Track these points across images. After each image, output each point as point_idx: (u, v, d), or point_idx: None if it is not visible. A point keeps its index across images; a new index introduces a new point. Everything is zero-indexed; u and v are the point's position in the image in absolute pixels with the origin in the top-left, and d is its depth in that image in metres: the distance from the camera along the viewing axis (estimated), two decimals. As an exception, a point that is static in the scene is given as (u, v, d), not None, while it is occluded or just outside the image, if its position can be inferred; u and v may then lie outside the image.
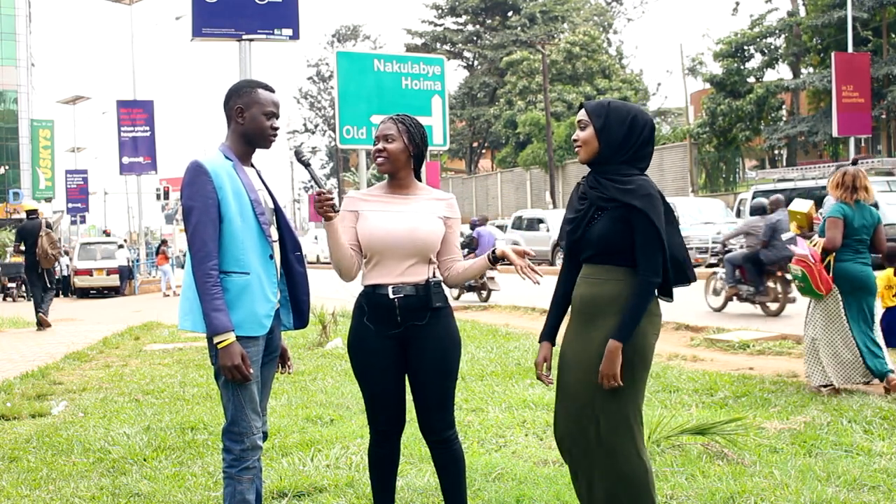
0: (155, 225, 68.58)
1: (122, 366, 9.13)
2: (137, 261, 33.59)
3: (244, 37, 10.13)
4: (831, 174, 6.47)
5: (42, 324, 13.35)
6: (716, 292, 12.39)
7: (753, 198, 21.78)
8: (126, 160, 32.06)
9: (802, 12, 35.65)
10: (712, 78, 37.54)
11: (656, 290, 3.21)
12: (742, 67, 37.18)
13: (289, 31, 10.29)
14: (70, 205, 48.20)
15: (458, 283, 3.53)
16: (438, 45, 54.03)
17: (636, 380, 3.15)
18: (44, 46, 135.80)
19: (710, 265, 22.41)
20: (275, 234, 3.32)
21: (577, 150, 3.26)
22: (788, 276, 8.73)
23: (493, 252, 3.39)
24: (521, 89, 46.66)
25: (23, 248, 13.48)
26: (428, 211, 3.40)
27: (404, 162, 3.39)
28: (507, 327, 11.22)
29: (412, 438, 4.66)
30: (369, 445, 3.53)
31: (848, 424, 5.26)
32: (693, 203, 25.04)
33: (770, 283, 11.29)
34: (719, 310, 12.06)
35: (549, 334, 3.37)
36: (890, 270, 7.20)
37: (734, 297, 11.78)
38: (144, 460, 5.04)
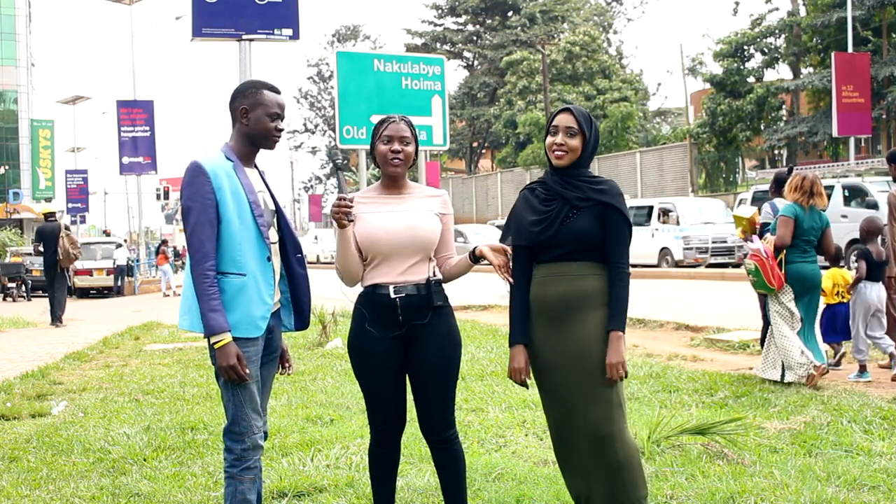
0: (155, 225, 68.64)
1: (122, 366, 9.13)
2: (137, 260, 33.60)
3: (244, 37, 10.13)
4: (793, 176, 6.86)
5: (58, 322, 14.23)
6: None
7: (755, 199, 21.82)
8: (126, 160, 32.06)
9: (802, 12, 35.66)
10: (712, 78, 37.55)
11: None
12: (742, 67, 37.19)
13: (289, 31, 10.30)
14: (70, 205, 48.17)
15: (450, 279, 3.53)
16: (438, 45, 54.02)
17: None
18: (44, 46, 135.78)
19: (711, 265, 22.47)
20: (274, 237, 3.32)
21: (559, 154, 3.31)
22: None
23: (473, 251, 3.41)
24: (521, 89, 46.65)
25: (41, 248, 14.03)
26: (424, 209, 3.41)
27: (412, 163, 3.43)
28: (507, 327, 11.19)
29: (412, 438, 4.66)
30: (370, 445, 3.53)
31: (848, 424, 5.26)
32: (693, 203, 25.05)
33: None
34: None
35: (521, 336, 3.40)
36: (834, 270, 7.45)
37: None
38: (144, 460, 5.04)
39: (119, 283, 28.36)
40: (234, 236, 3.15)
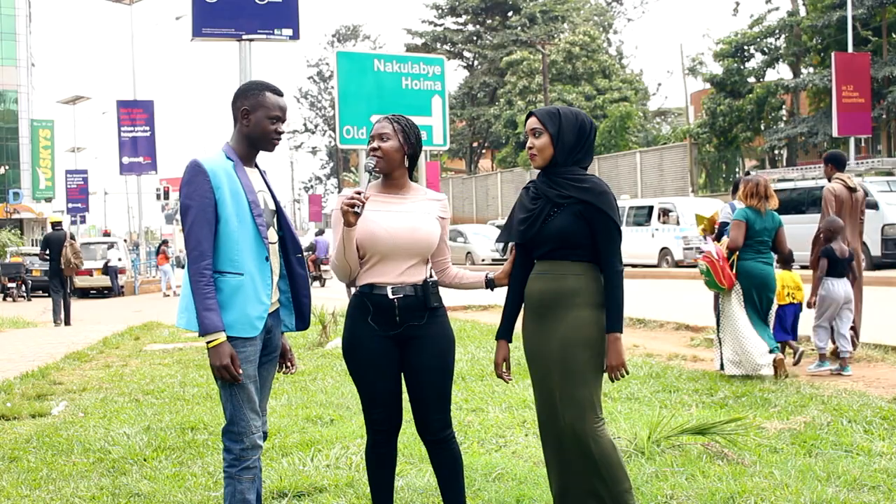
0: (155, 225, 68.69)
1: (122, 366, 9.13)
2: (137, 260, 33.60)
3: (244, 37, 10.14)
4: (744, 182, 7.26)
5: (62, 322, 14.94)
6: None
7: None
8: (126, 160, 32.06)
9: (802, 12, 35.64)
10: (712, 78, 37.54)
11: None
12: (742, 67, 37.19)
13: (289, 31, 10.30)
14: (70, 205, 48.17)
15: (449, 287, 3.57)
16: (438, 45, 54.00)
17: (597, 366, 3.31)
18: (44, 46, 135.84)
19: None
20: (273, 237, 3.31)
21: (532, 157, 3.38)
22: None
23: (489, 277, 3.50)
24: (521, 89, 46.64)
25: (47, 255, 14.86)
26: (425, 211, 3.41)
27: (399, 161, 3.39)
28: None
29: (412, 438, 4.66)
30: (367, 445, 3.52)
31: (848, 424, 5.26)
32: (693, 203, 25.04)
33: None
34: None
35: (506, 332, 3.54)
36: (784, 272, 7.73)
37: None
38: (144, 460, 5.04)
39: (113, 283, 28.27)
40: (232, 236, 3.15)
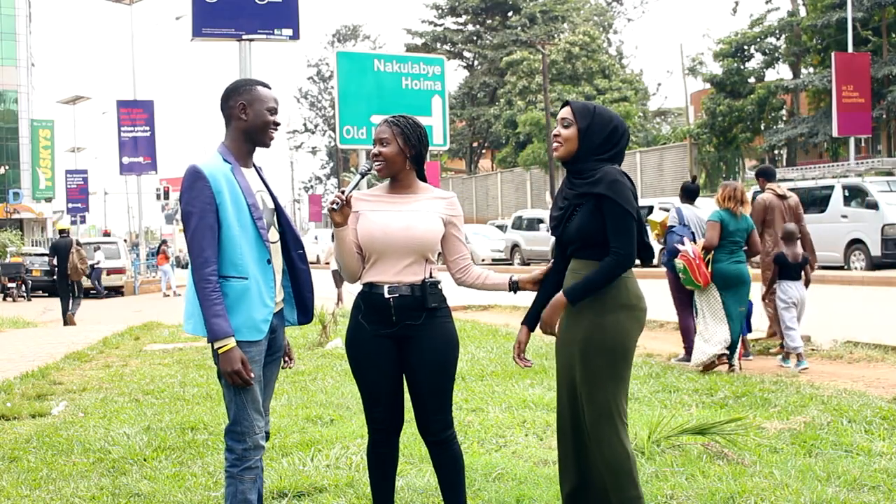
0: (155, 225, 68.69)
1: (122, 366, 9.13)
2: (137, 260, 33.60)
3: (244, 37, 10.14)
4: (722, 187, 7.78)
5: (68, 322, 15.58)
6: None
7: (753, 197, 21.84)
8: (126, 160, 32.08)
9: (802, 12, 35.64)
10: (712, 78, 37.54)
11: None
12: (742, 67, 37.19)
13: (289, 31, 10.30)
14: (70, 205, 48.18)
15: (471, 287, 3.55)
16: (438, 45, 54.00)
17: (617, 372, 3.26)
18: (44, 46, 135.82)
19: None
20: (274, 236, 3.32)
21: (555, 146, 3.36)
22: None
23: (513, 279, 3.48)
24: (521, 89, 46.64)
25: (55, 261, 15.82)
26: (427, 210, 3.40)
27: (401, 164, 3.39)
28: (507, 327, 11.21)
29: (412, 438, 4.66)
30: (368, 445, 3.52)
31: (848, 424, 5.26)
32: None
33: None
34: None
35: (529, 319, 3.52)
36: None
37: None
38: (144, 460, 5.04)
39: (96, 284, 28.21)
40: (235, 240, 3.15)
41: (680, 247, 7.68)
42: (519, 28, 51.13)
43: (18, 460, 5.17)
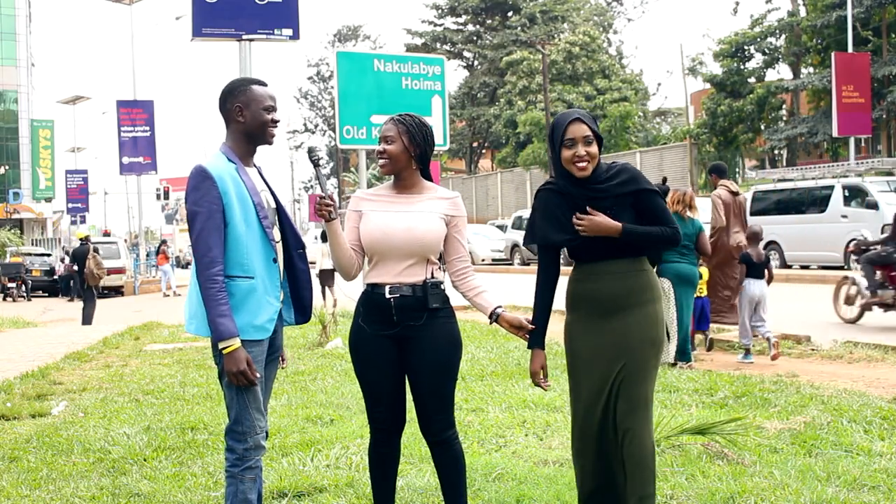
0: (155, 225, 68.68)
1: (122, 366, 9.13)
2: (137, 260, 33.58)
3: (244, 37, 10.14)
4: (673, 191, 8.05)
5: (87, 322, 16.38)
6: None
7: (754, 196, 21.83)
8: (126, 160, 32.08)
9: (802, 12, 35.65)
10: (712, 78, 37.54)
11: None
12: (742, 67, 37.19)
13: (289, 31, 10.31)
14: (70, 205, 48.18)
15: (462, 295, 3.52)
16: (438, 45, 53.99)
17: (658, 363, 3.35)
18: (44, 46, 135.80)
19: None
20: (277, 235, 3.32)
21: (583, 165, 3.27)
22: None
23: (497, 312, 3.40)
24: (521, 89, 46.63)
25: (76, 267, 17.07)
26: (429, 210, 3.39)
27: (405, 163, 3.38)
28: (507, 327, 11.19)
29: (412, 438, 4.66)
30: (369, 445, 3.52)
31: (848, 424, 5.26)
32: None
33: None
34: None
35: (541, 341, 3.43)
36: (702, 268, 8.50)
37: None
38: (144, 460, 5.04)
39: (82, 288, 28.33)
40: (241, 240, 3.15)
41: None
42: (519, 28, 51.12)
43: (18, 460, 5.17)
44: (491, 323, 3.42)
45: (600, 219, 3.25)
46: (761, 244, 8.78)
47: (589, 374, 3.32)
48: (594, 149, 3.27)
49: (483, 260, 29.09)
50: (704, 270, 8.71)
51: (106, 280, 28.09)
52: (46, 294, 31.14)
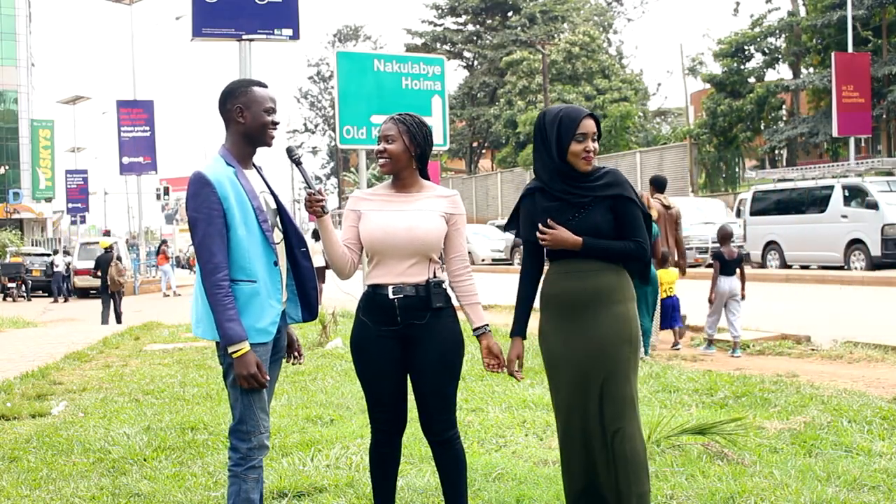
0: (155, 225, 68.69)
1: (122, 366, 9.13)
2: (137, 260, 33.58)
3: (244, 37, 10.14)
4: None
5: (118, 321, 17.33)
6: None
7: (755, 197, 21.84)
8: (126, 160, 32.10)
9: (802, 12, 35.64)
10: (712, 78, 37.54)
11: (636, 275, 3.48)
12: (742, 67, 37.19)
13: (289, 31, 10.30)
14: (70, 205, 48.20)
15: (455, 295, 3.53)
16: (438, 45, 53.98)
17: (636, 362, 3.35)
18: (44, 46, 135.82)
19: (710, 265, 22.38)
20: (278, 237, 3.31)
21: (589, 158, 3.35)
22: None
23: (482, 331, 3.45)
24: (521, 89, 46.62)
25: (99, 274, 18.24)
26: (429, 209, 3.39)
27: (406, 162, 3.38)
28: (507, 327, 11.18)
29: (413, 438, 4.66)
30: (370, 445, 3.52)
31: (848, 424, 5.26)
32: (693, 203, 25.01)
33: None
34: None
35: (521, 330, 3.54)
36: (661, 270, 8.81)
37: None
38: (144, 460, 5.04)
39: (57, 286, 28.39)
40: (242, 244, 3.15)
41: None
42: (519, 28, 51.12)
43: (18, 460, 5.17)
44: (476, 337, 3.48)
45: (561, 233, 3.30)
46: (733, 244, 9.31)
47: (566, 373, 3.35)
48: (596, 144, 3.37)
49: (483, 260, 29.09)
50: (676, 272, 9.17)
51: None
52: (46, 294, 31.16)
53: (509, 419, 5.72)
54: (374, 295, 3.38)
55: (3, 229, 41.28)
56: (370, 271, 3.41)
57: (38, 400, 7.14)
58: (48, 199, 57.94)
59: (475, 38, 54.91)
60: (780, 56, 37.24)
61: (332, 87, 34.13)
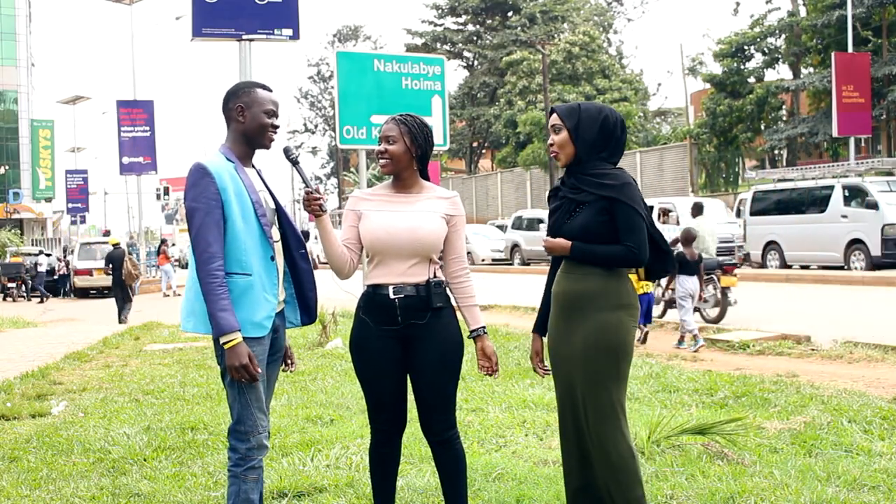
0: (155, 225, 68.70)
1: (122, 366, 9.13)
2: (137, 260, 33.52)
3: (244, 37, 10.13)
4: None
5: (123, 322, 16.91)
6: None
7: (755, 196, 21.83)
8: (126, 160, 32.07)
9: (802, 12, 35.64)
10: (712, 78, 37.54)
11: (640, 273, 3.48)
12: (742, 67, 37.19)
13: (289, 31, 10.30)
14: (70, 205, 48.21)
15: (452, 296, 3.54)
16: (438, 45, 53.97)
17: (620, 371, 3.28)
18: (44, 46, 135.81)
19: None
20: (276, 235, 3.32)
21: (553, 154, 3.38)
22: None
23: (478, 332, 3.46)
24: (521, 89, 46.61)
25: (111, 269, 18.09)
26: (430, 210, 3.39)
27: (407, 163, 3.38)
28: (507, 327, 11.22)
29: (413, 438, 4.66)
30: (370, 445, 3.52)
31: (848, 424, 5.26)
32: (693, 203, 24.99)
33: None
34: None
35: (539, 326, 3.56)
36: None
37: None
38: (144, 460, 5.04)
39: (41, 290, 28.42)
40: (239, 237, 3.15)
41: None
42: (519, 28, 51.11)
43: (18, 460, 5.17)
44: (472, 339, 3.48)
45: (556, 241, 3.33)
46: (694, 245, 9.87)
47: (557, 372, 3.38)
48: (560, 137, 3.33)
49: (483, 260, 29.09)
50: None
51: (106, 280, 28.21)
52: (49, 294, 31.14)
53: (509, 419, 5.72)
54: (374, 295, 3.38)
55: (3, 229, 41.28)
56: (370, 271, 3.41)
57: (38, 400, 7.14)
58: (48, 199, 57.94)
59: (475, 38, 54.91)
60: (780, 56, 37.24)
61: (332, 87, 34.13)
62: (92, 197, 55.72)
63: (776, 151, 37.48)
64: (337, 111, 10.63)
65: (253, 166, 3.37)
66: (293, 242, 3.39)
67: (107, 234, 42.93)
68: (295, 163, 3.45)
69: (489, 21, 53.82)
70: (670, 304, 10.65)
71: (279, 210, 3.38)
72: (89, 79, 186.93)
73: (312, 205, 3.27)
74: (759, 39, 36.68)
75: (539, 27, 50.23)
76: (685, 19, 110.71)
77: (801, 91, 35.24)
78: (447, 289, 3.44)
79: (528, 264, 27.25)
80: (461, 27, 55.35)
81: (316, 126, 67.24)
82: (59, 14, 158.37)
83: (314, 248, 37.35)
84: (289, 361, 3.54)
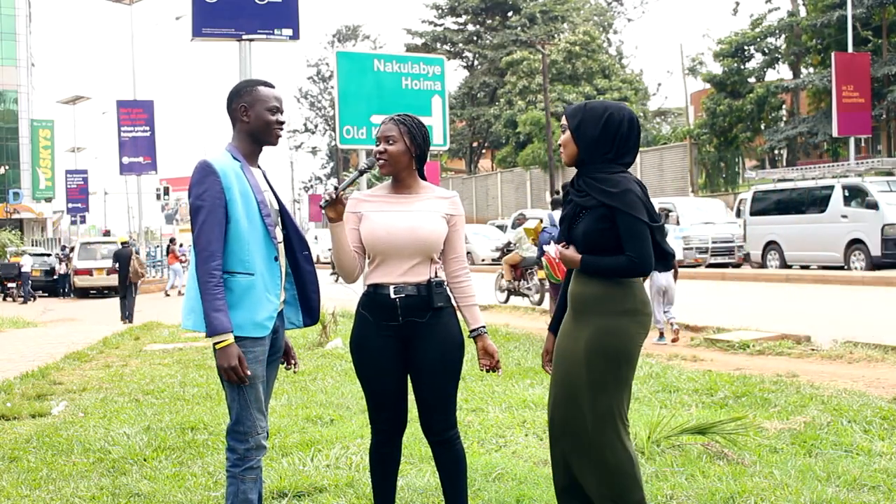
0: (155, 225, 68.66)
1: (122, 366, 9.13)
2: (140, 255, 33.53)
3: (244, 37, 10.13)
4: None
5: (130, 320, 17.22)
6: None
7: (755, 197, 21.84)
8: (126, 160, 32.10)
9: (802, 12, 35.64)
10: (712, 78, 37.54)
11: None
12: (742, 67, 37.19)
13: (289, 31, 10.29)
14: (70, 205, 48.22)
15: (452, 296, 3.54)
16: (438, 45, 53.96)
17: (621, 376, 3.24)
18: (44, 46, 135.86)
19: (711, 265, 22.46)
20: (280, 236, 3.32)
21: (561, 153, 3.38)
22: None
23: (478, 332, 3.46)
24: (521, 89, 46.60)
25: (117, 267, 18.34)
26: (430, 210, 3.39)
27: (406, 163, 3.38)
28: (507, 327, 11.22)
29: (413, 438, 4.66)
30: (371, 445, 3.52)
31: (848, 424, 5.26)
32: (693, 203, 25.02)
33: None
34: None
35: (554, 325, 3.54)
36: None
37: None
38: (144, 460, 5.04)
39: (25, 290, 28.45)
40: (243, 236, 3.15)
41: (546, 247, 8.76)
42: (519, 28, 51.11)
43: (18, 460, 5.17)
44: (472, 338, 3.48)
45: (568, 252, 3.33)
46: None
47: (558, 373, 3.36)
48: (565, 137, 3.31)
49: (483, 260, 29.07)
50: None
51: (106, 280, 28.22)
52: (46, 294, 31.16)
53: (509, 419, 5.72)
54: (375, 294, 3.38)
55: (3, 229, 41.27)
56: (371, 271, 3.41)
57: (38, 400, 7.14)
58: (48, 199, 57.98)
59: (475, 38, 54.90)
60: (780, 56, 37.25)
61: (332, 87, 34.12)
62: (92, 197, 55.74)
63: (776, 151, 37.48)
64: (337, 111, 10.63)
65: (259, 166, 3.37)
66: (297, 244, 3.39)
67: (107, 234, 42.95)
68: (363, 171, 3.44)
69: (489, 21, 53.81)
70: None
71: (283, 211, 3.39)
72: (89, 79, 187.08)
73: (337, 206, 3.26)
74: (759, 39, 36.68)
75: (539, 27, 50.22)
76: (685, 19, 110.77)
77: (801, 91, 35.25)
78: (448, 288, 3.44)
79: (528, 264, 27.22)
80: (461, 27, 55.34)
81: (316, 126, 67.25)
82: (59, 14, 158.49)
83: (314, 248, 37.36)
84: (292, 361, 3.53)
